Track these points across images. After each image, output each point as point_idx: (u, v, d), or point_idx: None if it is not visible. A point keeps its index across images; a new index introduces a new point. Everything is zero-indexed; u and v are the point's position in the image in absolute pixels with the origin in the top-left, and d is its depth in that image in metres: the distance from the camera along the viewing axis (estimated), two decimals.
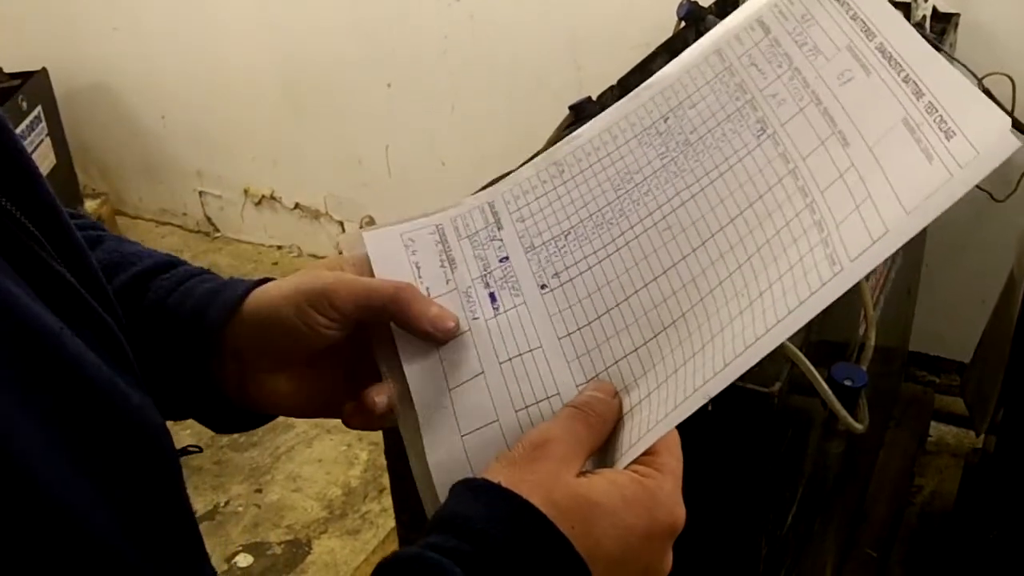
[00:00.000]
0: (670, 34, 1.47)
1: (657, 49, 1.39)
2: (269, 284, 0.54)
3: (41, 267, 0.38)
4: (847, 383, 0.78)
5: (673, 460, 0.46)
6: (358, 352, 0.54)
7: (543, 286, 0.54)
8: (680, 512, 0.45)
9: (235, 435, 2.07)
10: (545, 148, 1.13)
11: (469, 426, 0.49)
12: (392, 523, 1.76)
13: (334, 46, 2.36)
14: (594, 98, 1.19)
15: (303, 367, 0.54)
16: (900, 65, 0.49)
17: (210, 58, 2.56)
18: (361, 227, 1.17)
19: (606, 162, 0.57)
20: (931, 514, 1.68)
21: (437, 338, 0.51)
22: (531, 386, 0.50)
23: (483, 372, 0.50)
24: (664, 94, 0.58)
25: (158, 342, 0.52)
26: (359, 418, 0.52)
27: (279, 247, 2.78)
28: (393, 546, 1.65)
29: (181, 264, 0.57)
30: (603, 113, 0.59)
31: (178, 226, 2.94)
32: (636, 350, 0.50)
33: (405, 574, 0.40)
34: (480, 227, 0.57)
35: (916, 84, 0.47)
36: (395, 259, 0.55)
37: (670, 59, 1.50)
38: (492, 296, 0.54)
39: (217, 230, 2.87)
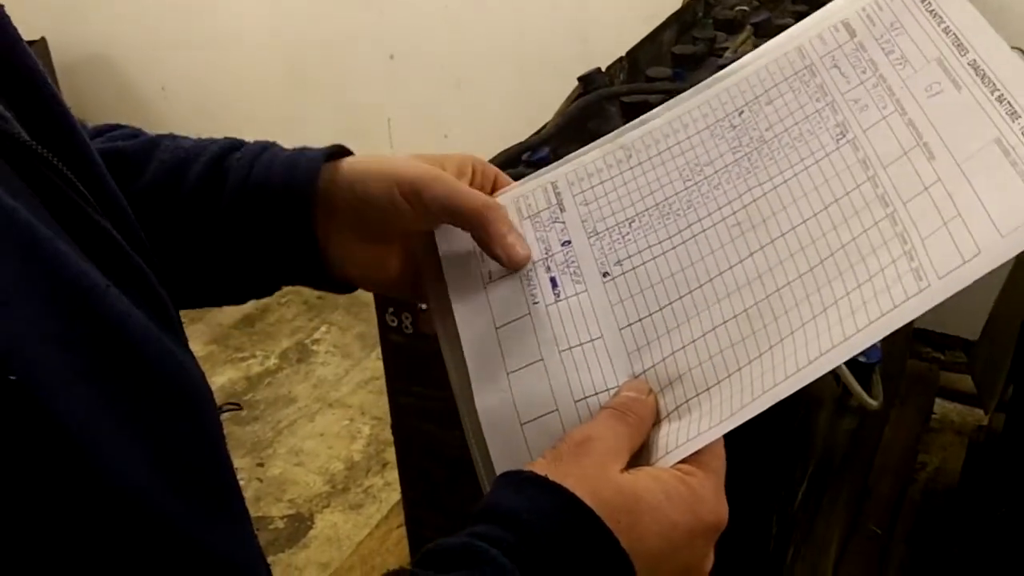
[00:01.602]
0: (679, 6, 1.45)
1: (666, 21, 1.37)
2: (367, 157, 0.55)
3: (86, 223, 0.38)
4: (861, 359, 0.78)
5: (716, 460, 0.45)
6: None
7: (605, 274, 0.53)
8: (723, 511, 0.44)
9: (237, 410, 2.07)
10: (553, 121, 1.12)
11: (529, 414, 0.49)
12: (395, 497, 1.76)
13: (336, 17, 2.33)
14: (603, 70, 1.18)
15: (383, 243, 0.55)
16: (994, 84, 0.47)
17: (211, 29, 2.54)
18: None
19: (675, 151, 0.56)
20: (935, 491, 1.68)
21: (503, 263, 0.52)
22: (591, 377, 0.49)
23: (542, 359, 0.50)
24: (740, 86, 0.56)
25: (251, 216, 0.53)
26: None
27: None
28: (397, 520, 1.65)
29: (244, 143, 0.58)
30: (674, 99, 0.58)
31: None
32: (694, 342, 0.48)
33: (453, 562, 0.40)
34: (543, 207, 0.56)
35: (1011, 105, 0.46)
36: (458, 236, 0.54)
37: (679, 31, 1.47)
38: (553, 281, 0.53)
39: None
